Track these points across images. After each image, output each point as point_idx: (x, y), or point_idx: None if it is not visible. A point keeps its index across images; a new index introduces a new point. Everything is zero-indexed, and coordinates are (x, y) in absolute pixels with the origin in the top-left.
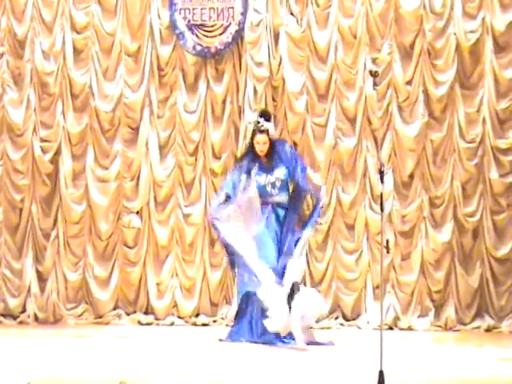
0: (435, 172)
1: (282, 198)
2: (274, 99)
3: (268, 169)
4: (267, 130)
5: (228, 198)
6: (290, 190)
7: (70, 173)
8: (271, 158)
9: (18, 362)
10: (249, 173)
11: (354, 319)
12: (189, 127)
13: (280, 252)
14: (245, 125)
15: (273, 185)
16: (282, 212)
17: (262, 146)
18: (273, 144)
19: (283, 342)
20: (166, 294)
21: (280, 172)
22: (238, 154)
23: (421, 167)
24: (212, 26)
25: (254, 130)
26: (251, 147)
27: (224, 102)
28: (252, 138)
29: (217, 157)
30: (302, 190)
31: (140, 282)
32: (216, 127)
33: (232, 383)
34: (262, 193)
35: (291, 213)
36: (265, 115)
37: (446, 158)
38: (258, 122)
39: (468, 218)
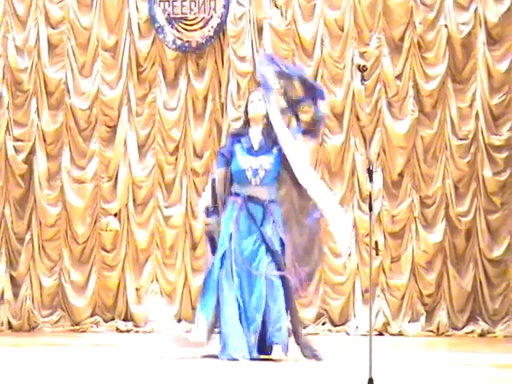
0: (426, 170)
1: (261, 192)
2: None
3: (256, 152)
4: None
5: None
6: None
7: (44, 173)
8: (264, 137)
9: None
10: (232, 154)
11: (342, 325)
12: (169, 125)
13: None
14: (227, 123)
15: (254, 172)
16: (256, 208)
17: (255, 104)
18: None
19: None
20: (146, 299)
21: (266, 159)
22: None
23: (411, 165)
24: (193, 20)
25: (249, 103)
26: (246, 124)
27: (206, 98)
28: (247, 112)
29: (198, 156)
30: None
31: (118, 287)
32: (197, 125)
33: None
34: (239, 181)
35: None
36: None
37: (437, 155)
38: (252, 92)
39: (461, 218)
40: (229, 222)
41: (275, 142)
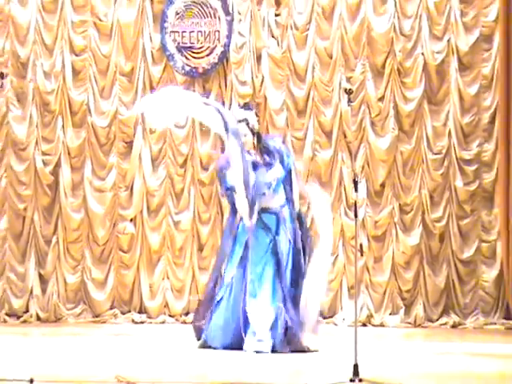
0: (405, 181)
1: (273, 202)
2: (256, 115)
3: (264, 165)
4: (245, 120)
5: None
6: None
7: (69, 184)
8: (261, 156)
9: (22, 359)
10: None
11: (330, 317)
12: (178, 141)
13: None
14: None
15: (268, 185)
16: (270, 218)
17: (243, 138)
18: (257, 138)
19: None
20: (158, 294)
21: (275, 172)
22: None
23: (392, 177)
24: (199, 48)
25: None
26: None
27: None
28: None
29: (204, 168)
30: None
31: (134, 283)
32: (203, 141)
33: (216, 376)
34: (254, 192)
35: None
36: (244, 106)
37: (414, 168)
38: (240, 120)
39: (435, 224)
40: (239, 247)
41: (274, 155)
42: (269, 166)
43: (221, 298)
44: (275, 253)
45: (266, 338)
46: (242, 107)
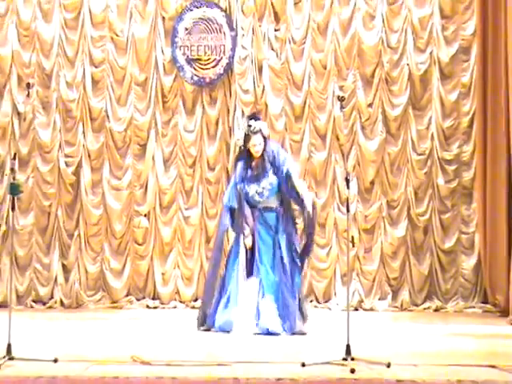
0: (392, 179)
1: (270, 203)
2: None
3: (257, 177)
4: (260, 130)
5: (232, 210)
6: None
7: (89, 183)
8: (263, 160)
9: (47, 341)
10: (242, 181)
11: (325, 302)
12: (188, 144)
13: (275, 258)
14: (234, 142)
15: (260, 194)
16: (271, 215)
17: (258, 147)
18: (266, 144)
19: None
20: (170, 282)
21: (266, 182)
22: (232, 162)
23: (380, 175)
24: (206, 60)
25: (247, 135)
26: (246, 152)
27: (217, 122)
28: (246, 142)
29: (211, 168)
30: (287, 197)
31: (148, 272)
32: (210, 144)
33: (224, 356)
34: (250, 202)
35: (284, 215)
36: (255, 117)
37: (400, 167)
38: (250, 126)
39: (419, 217)
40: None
41: (270, 166)
42: (264, 174)
43: (229, 295)
44: (278, 248)
45: (278, 330)
46: (252, 118)
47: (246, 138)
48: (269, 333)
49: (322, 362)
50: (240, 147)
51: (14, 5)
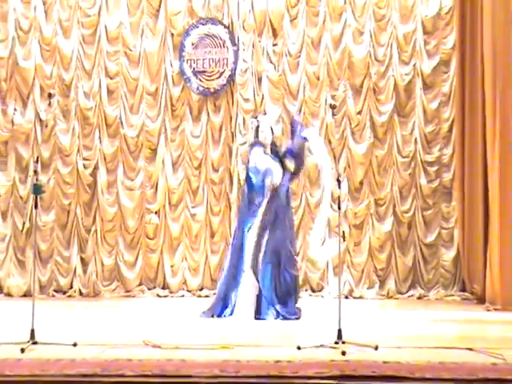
0: (379, 180)
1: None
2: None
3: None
4: (266, 120)
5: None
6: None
7: (105, 183)
8: (274, 147)
9: (67, 327)
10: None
11: (319, 291)
12: (194, 148)
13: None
14: (236, 147)
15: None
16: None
17: (266, 133)
18: (272, 133)
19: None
20: (178, 273)
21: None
22: (233, 165)
23: (368, 176)
24: (211, 72)
25: (256, 128)
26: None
27: (220, 128)
28: (256, 134)
29: (215, 170)
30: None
31: (158, 264)
32: (215, 148)
33: (227, 340)
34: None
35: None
36: (261, 115)
37: (387, 169)
38: (256, 117)
39: (404, 214)
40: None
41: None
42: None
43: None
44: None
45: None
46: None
47: (256, 130)
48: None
49: (316, 346)
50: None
51: (36, 22)
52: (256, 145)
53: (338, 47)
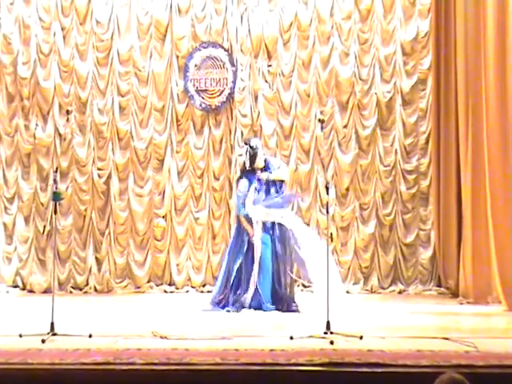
0: (363, 186)
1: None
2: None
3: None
4: (259, 147)
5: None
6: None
7: (117, 190)
8: (265, 170)
9: (83, 320)
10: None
11: (309, 286)
12: (197, 159)
13: None
14: (235, 158)
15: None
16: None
17: (261, 160)
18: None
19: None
20: (183, 271)
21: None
22: (233, 174)
23: (354, 183)
24: (212, 91)
25: (252, 155)
26: (251, 169)
27: (221, 141)
28: (253, 162)
29: (216, 178)
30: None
31: (165, 263)
32: (216, 159)
33: (227, 331)
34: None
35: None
36: (251, 138)
37: (370, 177)
38: (251, 147)
39: (386, 217)
40: None
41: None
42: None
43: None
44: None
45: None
46: (249, 140)
47: (252, 157)
48: (262, 309)
49: (307, 336)
50: (244, 167)
51: (56, 46)
52: (242, 177)
53: (326, 68)
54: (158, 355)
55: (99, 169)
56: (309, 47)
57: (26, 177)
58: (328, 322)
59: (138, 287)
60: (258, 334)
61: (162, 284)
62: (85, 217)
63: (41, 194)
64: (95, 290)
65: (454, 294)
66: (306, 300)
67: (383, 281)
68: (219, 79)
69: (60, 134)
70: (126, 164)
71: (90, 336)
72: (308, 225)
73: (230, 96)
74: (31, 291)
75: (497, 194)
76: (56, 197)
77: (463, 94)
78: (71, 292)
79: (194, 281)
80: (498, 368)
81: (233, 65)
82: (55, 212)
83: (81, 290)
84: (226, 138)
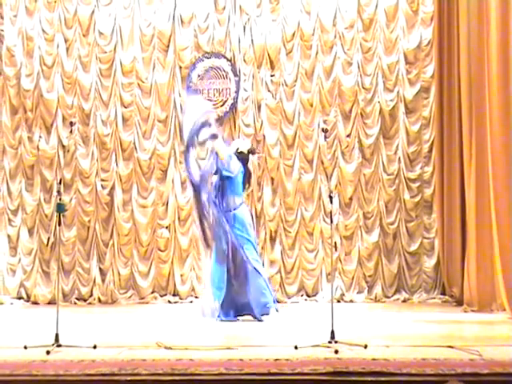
0: (367, 195)
1: None
2: (257, 148)
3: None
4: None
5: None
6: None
7: (121, 201)
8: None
9: (87, 331)
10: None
11: (313, 296)
12: None
13: None
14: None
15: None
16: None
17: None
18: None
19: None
20: (187, 282)
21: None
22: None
23: (357, 192)
24: (215, 101)
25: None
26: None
27: None
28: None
29: None
30: None
31: (169, 274)
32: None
33: (231, 341)
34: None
35: None
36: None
37: (374, 185)
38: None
39: (389, 226)
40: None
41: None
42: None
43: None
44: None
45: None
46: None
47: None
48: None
49: (312, 345)
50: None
51: (59, 58)
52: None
53: (329, 77)
54: (162, 366)
55: (103, 180)
56: (312, 57)
57: (29, 189)
58: (332, 331)
59: (142, 298)
60: (263, 344)
61: (166, 294)
62: (89, 228)
63: (45, 206)
64: (99, 301)
65: (459, 302)
66: (309, 310)
67: (387, 289)
68: (222, 89)
69: (63, 146)
70: (130, 175)
71: (95, 347)
72: (311, 234)
73: (233, 106)
74: (35, 303)
75: (501, 202)
76: (60, 208)
77: (466, 102)
78: (75, 303)
79: (198, 291)
80: (503, 376)
81: (236, 75)
82: (59, 223)
83: (85, 301)
84: None
